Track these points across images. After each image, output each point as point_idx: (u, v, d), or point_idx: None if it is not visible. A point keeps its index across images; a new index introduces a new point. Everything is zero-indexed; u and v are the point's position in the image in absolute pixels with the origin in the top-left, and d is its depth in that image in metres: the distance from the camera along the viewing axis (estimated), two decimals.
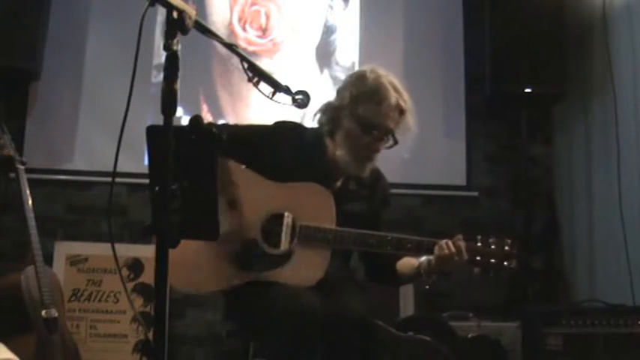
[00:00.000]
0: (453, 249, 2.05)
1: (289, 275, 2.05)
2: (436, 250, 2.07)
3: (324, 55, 4.09)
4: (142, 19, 1.39)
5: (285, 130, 2.28)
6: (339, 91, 2.27)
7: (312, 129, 2.31)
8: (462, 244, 2.06)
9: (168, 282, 1.99)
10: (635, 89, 3.36)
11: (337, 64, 4.10)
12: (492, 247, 2.09)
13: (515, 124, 3.99)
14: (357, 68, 4.08)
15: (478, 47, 3.95)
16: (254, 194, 2.11)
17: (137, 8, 1.43)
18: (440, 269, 2.10)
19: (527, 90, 3.69)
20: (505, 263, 2.08)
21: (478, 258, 2.08)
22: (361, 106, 2.16)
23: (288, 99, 1.95)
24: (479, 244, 2.09)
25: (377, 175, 2.37)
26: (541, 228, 4.03)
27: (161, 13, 1.41)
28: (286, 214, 2.08)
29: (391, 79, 2.24)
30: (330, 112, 2.26)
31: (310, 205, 2.10)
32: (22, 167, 2.76)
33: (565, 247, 3.94)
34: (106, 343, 3.55)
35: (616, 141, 3.41)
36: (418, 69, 4.12)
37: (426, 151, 4.03)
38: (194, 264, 2.01)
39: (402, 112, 2.20)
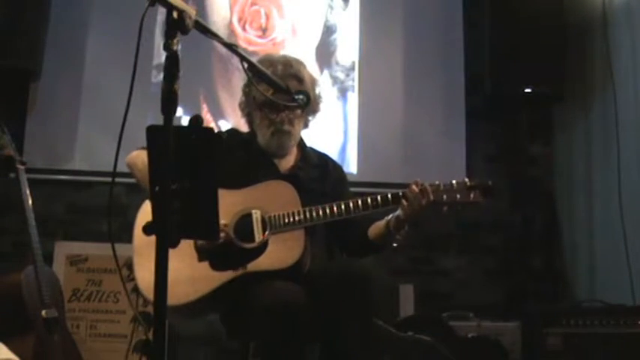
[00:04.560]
0: (416, 190, 2.12)
1: (269, 260, 2.08)
2: (403, 200, 2.12)
3: (324, 55, 4.09)
4: (142, 19, 1.39)
5: (225, 142, 2.37)
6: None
7: (246, 132, 2.44)
8: (427, 185, 2.14)
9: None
10: (635, 89, 3.36)
11: (337, 64, 4.10)
12: (454, 182, 2.17)
13: (515, 124, 3.99)
14: (357, 68, 4.09)
15: (478, 47, 3.96)
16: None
17: (137, 8, 1.43)
18: (410, 215, 2.14)
19: (527, 90, 3.69)
20: (471, 196, 2.15)
21: (444, 196, 2.15)
22: (254, 90, 2.26)
23: (288, 99, 1.96)
24: (441, 185, 2.16)
25: (325, 158, 2.48)
26: (541, 228, 4.03)
27: (161, 13, 1.41)
28: (253, 211, 2.13)
29: (284, 55, 2.43)
30: (242, 110, 2.43)
31: (274, 199, 2.16)
32: (22, 167, 2.76)
33: (565, 247, 3.94)
34: (106, 343, 3.55)
35: (616, 141, 3.41)
36: (418, 69, 4.12)
37: (426, 151, 4.03)
38: (173, 279, 2.01)
39: (299, 80, 2.28)
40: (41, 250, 2.66)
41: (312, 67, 4.10)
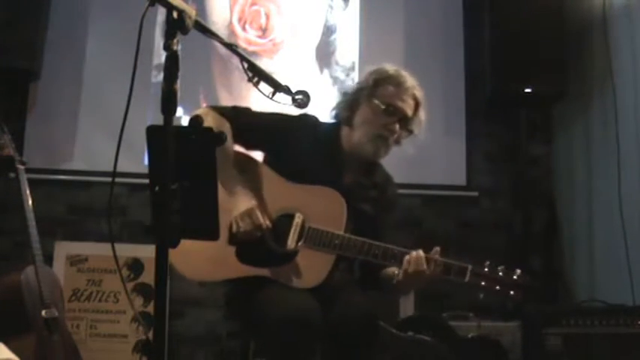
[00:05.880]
0: (419, 261, 2.02)
1: (289, 274, 2.05)
2: (404, 262, 2.04)
3: (324, 55, 4.09)
4: (142, 19, 1.39)
5: (302, 125, 2.26)
6: (358, 82, 2.35)
7: (328, 124, 2.33)
8: (437, 257, 2.05)
9: (180, 270, 2.03)
10: (635, 89, 3.36)
11: (337, 64, 4.10)
12: (500, 274, 2.02)
13: (515, 124, 3.99)
14: (357, 68, 4.09)
15: (478, 47, 3.95)
16: (268, 191, 2.13)
17: (137, 8, 1.43)
18: (408, 282, 2.05)
19: (527, 90, 3.68)
20: (511, 292, 2.01)
21: (483, 283, 2.02)
22: (380, 88, 2.23)
23: (288, 99, 1.95)
24: (486, 269, 2.03)
25: (388, 179, 2.41)
26: (541, 228, 4.02)
27: (161, 13, 1.41)
28: (297, 214, 2.09)
29: (411, 76, 2.36)
30: (349, 95, 2.30)
31: (322, 209, 2.10)
32: (22, 167, 2.76)
33: (565, 247, 3.94)
34: (106, 343, 3.55)
35: (616, 141, 3.41)
36: (418, 69, 4.08)
37: (426, 151, 4.01)
38: (195, 252, 1.97)
39: (417, 103, 2.29)
40: (41, 250, 2.66)
41: (312, 67, 4.13)
